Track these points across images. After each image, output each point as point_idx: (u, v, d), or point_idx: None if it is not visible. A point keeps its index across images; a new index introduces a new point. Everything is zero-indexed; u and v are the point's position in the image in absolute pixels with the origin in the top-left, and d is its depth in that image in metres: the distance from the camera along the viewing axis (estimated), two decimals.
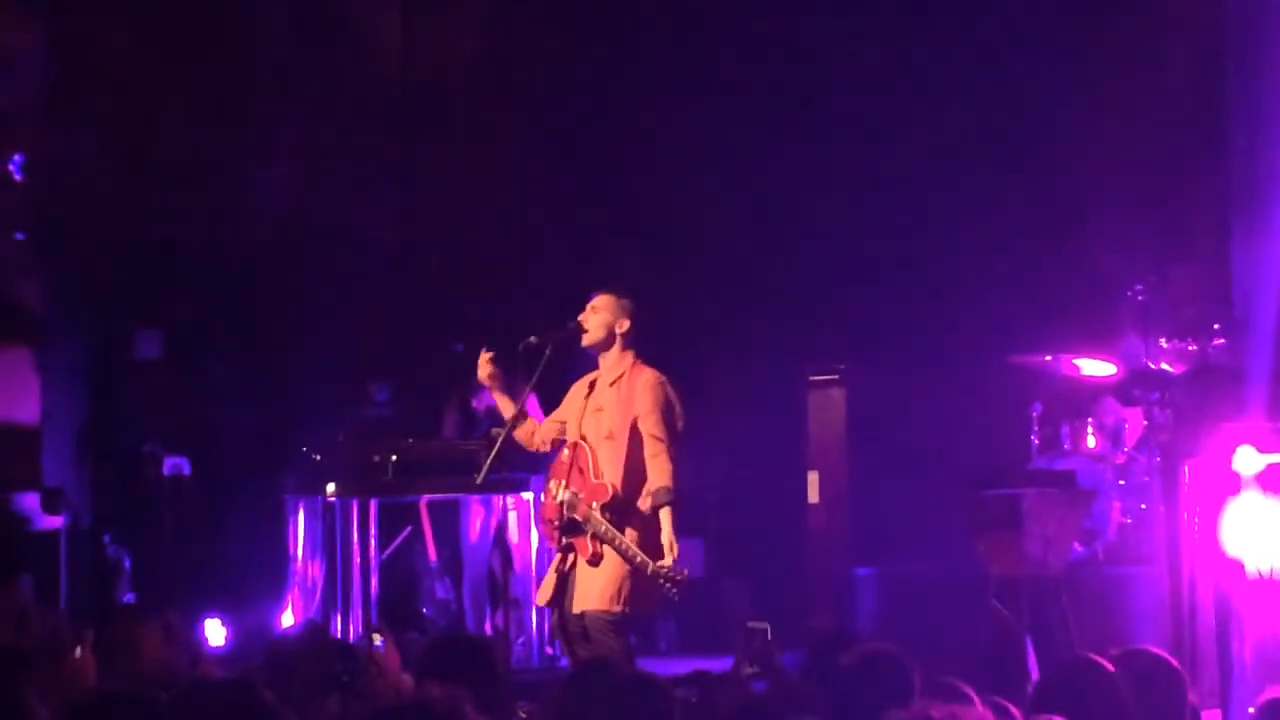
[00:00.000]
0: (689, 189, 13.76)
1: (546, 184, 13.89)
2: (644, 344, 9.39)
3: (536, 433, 9.54)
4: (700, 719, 6.72)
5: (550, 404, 10.49)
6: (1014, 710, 5.97)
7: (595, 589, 9.08)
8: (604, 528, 9.07)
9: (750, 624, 9.85)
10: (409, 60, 14.25)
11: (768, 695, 7.44)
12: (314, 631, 8.55)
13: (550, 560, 9.55)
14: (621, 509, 9.13)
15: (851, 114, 13.18)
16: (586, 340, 9.33)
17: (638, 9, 13.95)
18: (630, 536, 9.07)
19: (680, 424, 9.24)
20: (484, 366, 9.41)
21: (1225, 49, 11.90)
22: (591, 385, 9.37)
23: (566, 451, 9.33)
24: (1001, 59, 12.74)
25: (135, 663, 7.44)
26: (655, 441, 9.13)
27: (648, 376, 9.26)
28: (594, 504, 9.11)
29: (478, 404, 12.16)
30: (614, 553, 9.06)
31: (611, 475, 9.17)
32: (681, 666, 9.15)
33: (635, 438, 9.19)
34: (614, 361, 9.34)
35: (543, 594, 9.39)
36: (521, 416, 9.46)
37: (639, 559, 8.99)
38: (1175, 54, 12.32)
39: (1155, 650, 6.63)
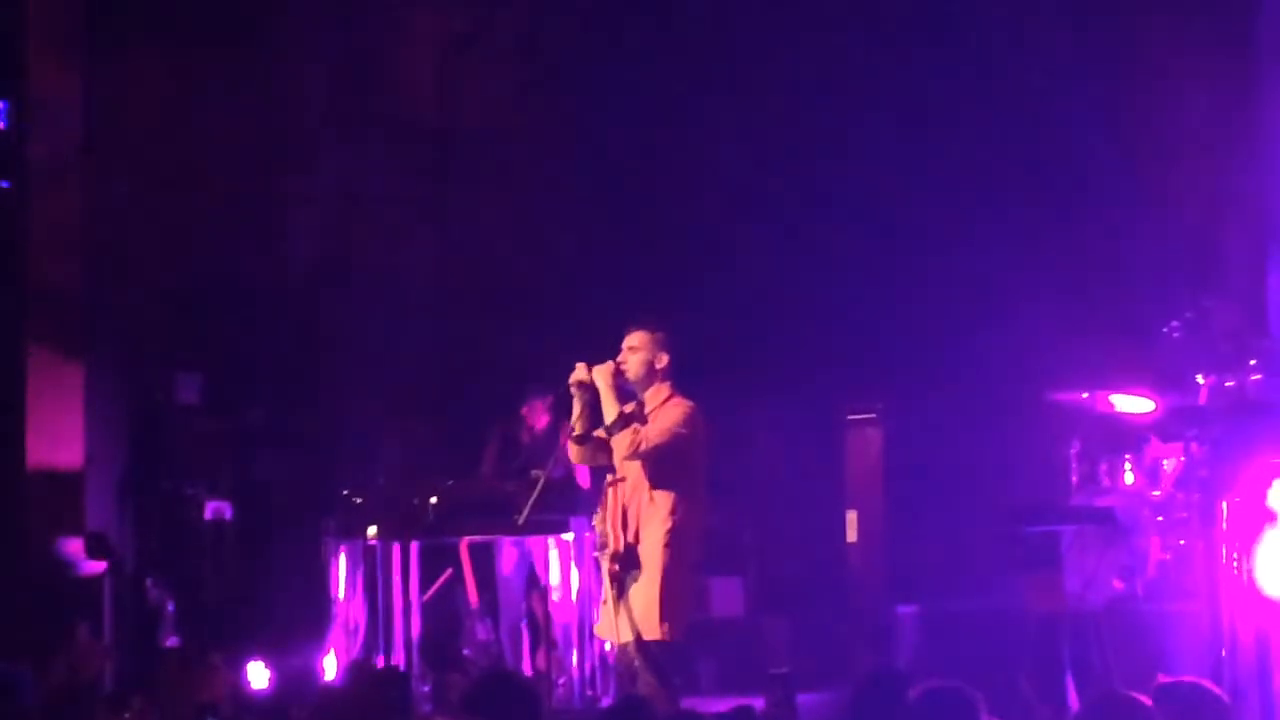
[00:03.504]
0: (725, 229, 13.80)
1: (582, 223, 13.94)
2: (680, 374, 9.45)
3: (587, 448, 9.60)
4: None
5: None
6: None
7: (636, 614, 9.19)
8: (609, 585, 9.19)
9: (771, 671, 9.90)
10: (445, 103, 14.32)
11: None
12: (358, 669, 8.61)
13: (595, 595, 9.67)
14: (628, 560, 9.23)
15: (886, 154, 13.21)
16: (629, 378, 9.39)
17: (671, 48, 14.00)
18: (637, 583, 9.17)
19: (684, 443, 9.28)
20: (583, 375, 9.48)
21: (1259, 78, 11.92)
22: (632, 417, 9.43)
23: (609, 480, 9.40)
24: (1035, 95, 12.77)
25: (181, 705, 7.51)
26: (637, 432, 9.23)
27: (676, 401, 9.34)
28: (607, 552, 9.23)
29: (516, 445, 12.22)
30: (646, 580, 9.16)
31: (635, 510, 9.25)
32: (721, 705, 9.17)
33: None
34: (653, 394, 9.40)
35: (604, 629, 9.50)
36: (587, 438, 9.50)
37: (621, 640, 9.14)
38: (1208, 86, 12.34)
39: (1200, 681, 6.63)
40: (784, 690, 9.45)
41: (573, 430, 9.43)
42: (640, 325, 9.44)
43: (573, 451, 9.57)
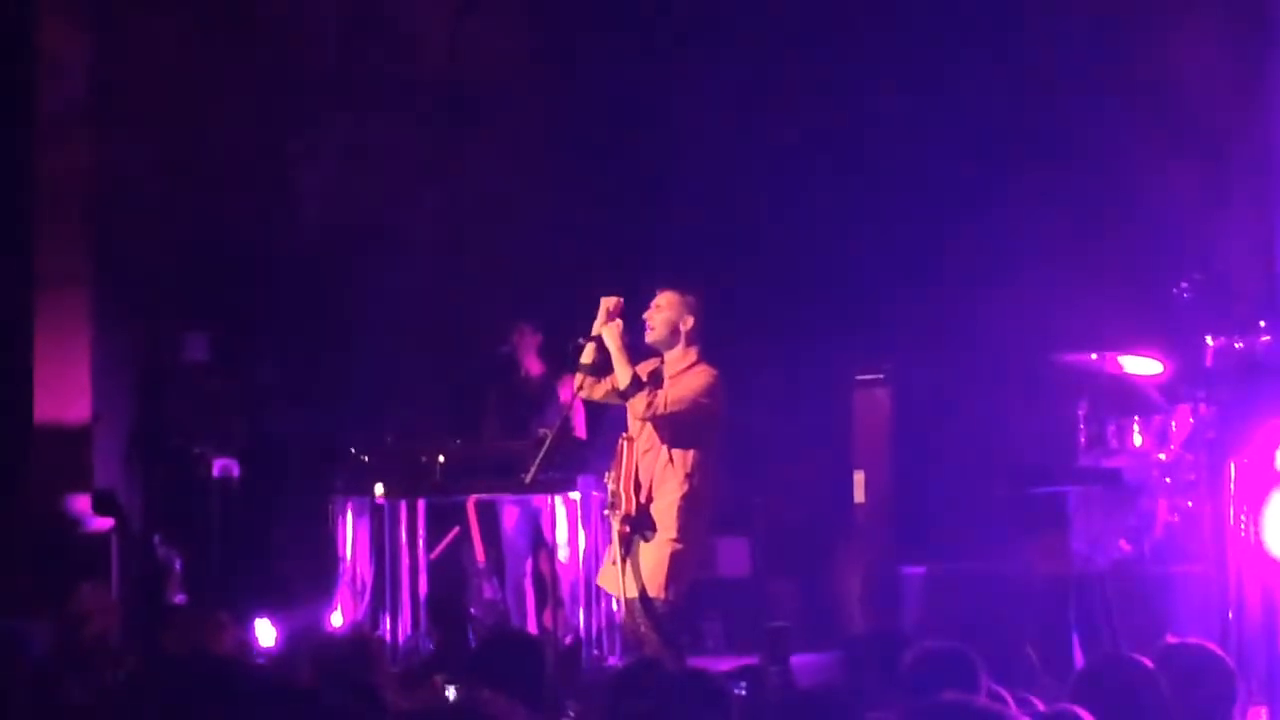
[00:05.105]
0: (733, 188, 13.78)
1: (589, 183, 13.91)
2: (707, 339, 9.45)
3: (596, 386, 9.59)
4: (750, 714, 6.73)
5: (593, 409, 10.61)
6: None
7: (644, 573, 9.21)
8: (618, 545, 9.20)
9: (771, 625, 9.91)
10: (453, 60, 14.28)
11: (815, 691, 7.47)
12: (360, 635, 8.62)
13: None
14: (640, 522, 9.24)
15: (894, 113, 13.18)
16: (650, 338, 9.40)
17: (680, 10, 13.96)
18: (644, 548, 9.17)
19: (703, 412, 9.28)
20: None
21: (1269, 33, 11.88)
22: (651, 375, 9.41)
23: (622, 440, 9.41)
24: (1040, 54, 12.73)
25: None
26: (653, 394, 9.22)
27: (701, 368, 9.34)
28: (618, 512, 9.23)
29: (518, 404, 12.22)
30: (658, 540, 9.18)
31: (649, 471, 9.24)
32: (728, 665, 9.20)
33: None
34: (677, 357, 9.41)
35: (606, 579, 9.52)
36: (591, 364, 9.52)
37: (625, 595, 9.16)
38: (1218, 40, 12.28)
39: (1205, 643, 6.63)
40: (779, 646, 9.48)
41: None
42: (671, 285, 9.44)
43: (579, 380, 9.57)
